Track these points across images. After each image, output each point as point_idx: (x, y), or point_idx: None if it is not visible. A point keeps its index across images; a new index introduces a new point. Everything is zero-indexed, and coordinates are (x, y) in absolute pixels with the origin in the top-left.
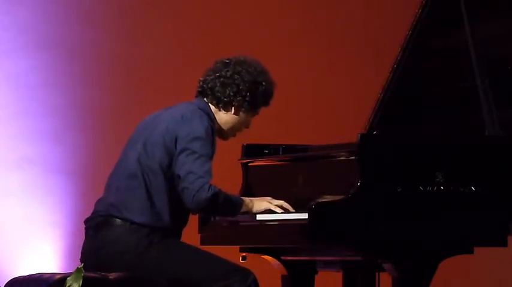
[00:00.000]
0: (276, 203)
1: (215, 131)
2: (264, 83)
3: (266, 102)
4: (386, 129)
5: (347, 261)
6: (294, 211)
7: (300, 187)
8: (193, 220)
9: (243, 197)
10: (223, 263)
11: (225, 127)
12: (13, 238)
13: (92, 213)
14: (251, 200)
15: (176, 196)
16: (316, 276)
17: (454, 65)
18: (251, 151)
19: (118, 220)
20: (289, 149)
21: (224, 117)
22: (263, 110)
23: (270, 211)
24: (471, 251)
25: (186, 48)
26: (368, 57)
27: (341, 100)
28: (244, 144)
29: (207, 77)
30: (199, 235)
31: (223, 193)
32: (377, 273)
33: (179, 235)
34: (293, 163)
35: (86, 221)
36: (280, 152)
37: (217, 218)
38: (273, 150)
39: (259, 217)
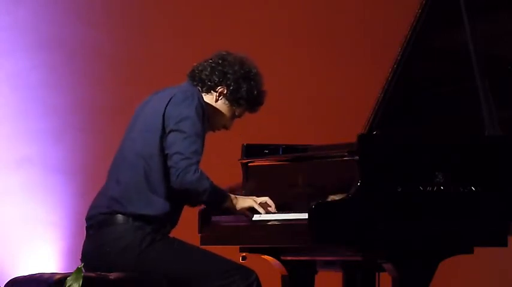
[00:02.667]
0: (259, 201)
1: (205, 109)
2: (252, 82)
3: (251, 105)
4: (386, 129)
5: (347, 261)
6: (275, 211)
7: (300, 187)
8: (194, 220)
9: (229, 193)
10: (225, 262)
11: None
12: (13, 238)
13: (93, 208)
14: (236, 197)
15: (167, 181)
16: (316, 276)
17: (454, 65)
18: (251, 151)
19: (120, 217)
20: (289, 149)
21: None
22: (264, 109)
23: (254, 211)
24: (471, 251)
25: (186, 48)
26: (368, 57)
27: (341, 100)
28: (244, 144)
29: (201, 63)
30: (200, 235)
31: (209, 181)
32: (377, 273)
33: (176, 222)
34: (293, 163)
35: (88, 219)
36: (280, 152)
37: (216, 218)
38: (273, 150)
39: (259, 217)
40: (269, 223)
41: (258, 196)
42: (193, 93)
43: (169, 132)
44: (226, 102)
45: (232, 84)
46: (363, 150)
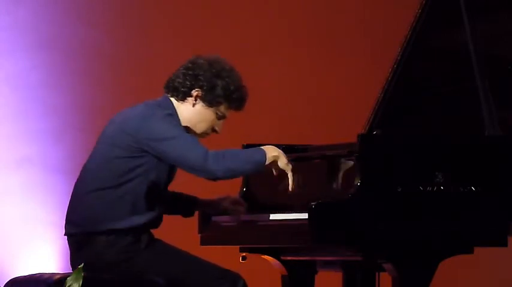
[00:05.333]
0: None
1: (174, 117)
2: (227, 79)
3: (231, 102)
4: (386, 129)
5: (347, 261)
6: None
7: (300, 187)
8: (194, 220)
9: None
10: (212, 268)
11: (186, 124)
12: (13, 238)
13: (68, 223)
14: (260, 148)
15: (144, 191)
16: (316, 276)
17: (454, 65)
18: None
19: (94, 237)
20: (289, 149)
21: (184, 111)
22: (262, 109)
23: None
24: (471, 251)
25: (186, 48)
26: (368, 57)
27: (341, 100)
28: (244, 144)
29: (174, 73)
30: (200, 235)
31: (222, 152)
32: (377, 273)
33: (156, 226)
34: (293, 163)
35: (66, 235)
36: None
37: (216, 218)
38: None
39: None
40: (269, 223)
41: (258, 197)
42: (156, 109)
43: (158, 142)
44: (204, 104)
45: (205, 84)
46: (363, 150)
